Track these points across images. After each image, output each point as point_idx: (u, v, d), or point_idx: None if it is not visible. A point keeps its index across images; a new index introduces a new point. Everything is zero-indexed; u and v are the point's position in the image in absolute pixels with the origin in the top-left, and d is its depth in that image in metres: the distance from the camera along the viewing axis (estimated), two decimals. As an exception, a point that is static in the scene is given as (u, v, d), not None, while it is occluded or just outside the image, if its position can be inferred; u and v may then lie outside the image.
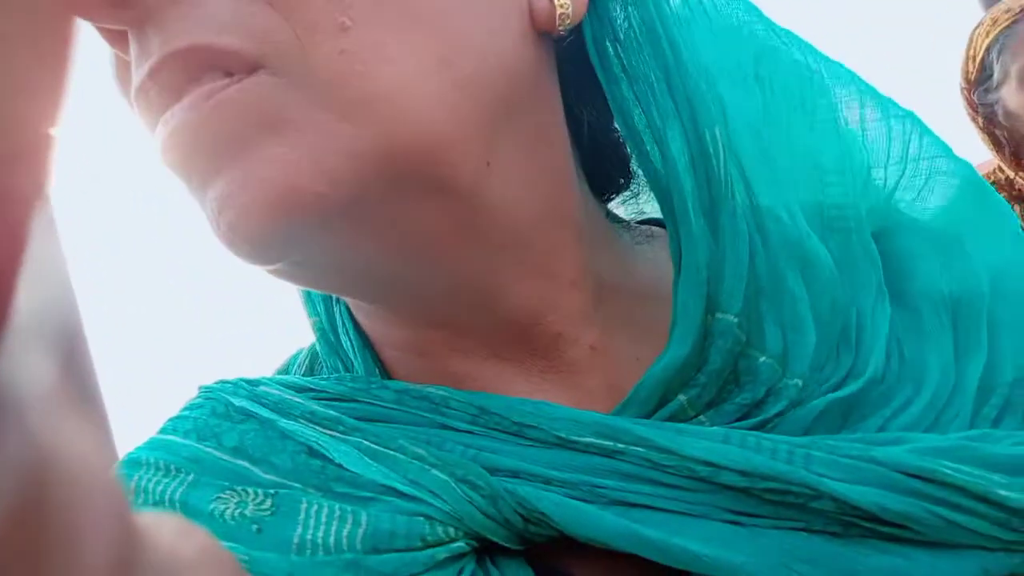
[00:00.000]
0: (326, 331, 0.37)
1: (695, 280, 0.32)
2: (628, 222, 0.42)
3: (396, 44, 0.27)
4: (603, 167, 0.39)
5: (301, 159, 0.26)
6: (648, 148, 0.33)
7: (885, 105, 0.39)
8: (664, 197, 0.33)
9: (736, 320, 0.32)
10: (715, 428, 0.31)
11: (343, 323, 0.37)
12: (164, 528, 0.16)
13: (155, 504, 0.31)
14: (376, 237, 0.29)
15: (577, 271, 0.34)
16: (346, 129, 0.26)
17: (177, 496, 0.31)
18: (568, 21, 0.32)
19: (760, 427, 0.31)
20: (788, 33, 0.38)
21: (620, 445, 0.30)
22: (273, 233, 0.26)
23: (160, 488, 0.31)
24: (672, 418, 0.31)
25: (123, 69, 0.30)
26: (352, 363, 0.36)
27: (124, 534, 0.13)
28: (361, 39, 0.26)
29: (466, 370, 0.34)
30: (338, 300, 0.37)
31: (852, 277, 0.35)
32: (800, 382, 0.32)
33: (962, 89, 1.10)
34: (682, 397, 0.32)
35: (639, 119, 0.33)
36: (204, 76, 0.26)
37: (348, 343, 0.36)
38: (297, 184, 0.26)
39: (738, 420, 0.32)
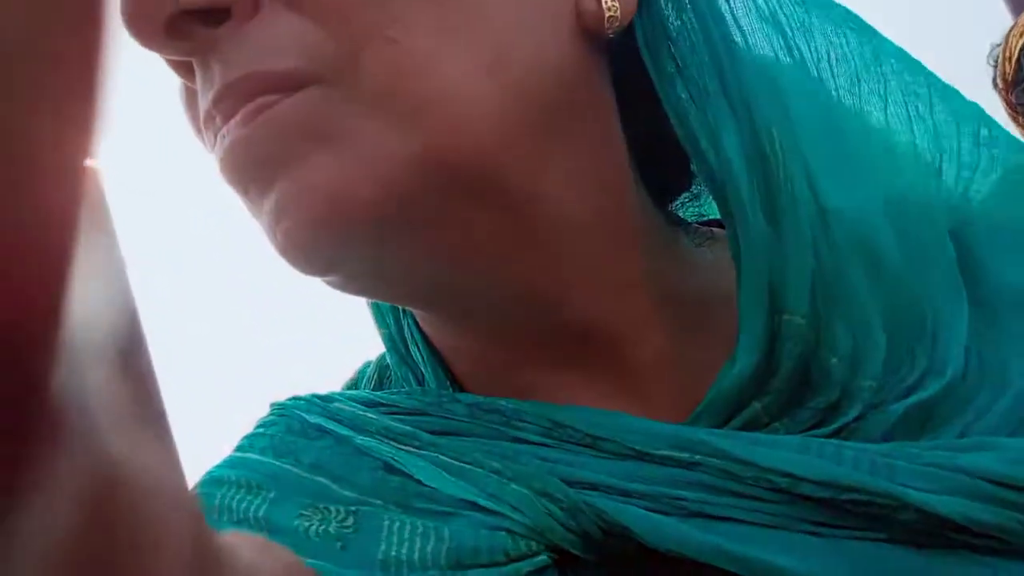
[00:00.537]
0: (396, 342, 0.37)
1: (757, 282, 0.32)
2: (689, 224, 0.42)
3: (442, 54, 0.27)
4: (662, 169, 0.38)
5: (351, 167, 0.26)
6: (704, 148, 0.33)
7: (951, 96, 0.38)
8: (721, 198, 0.33)
9: (804, 321, 0.31)
10: (792, 437, 0.30)
11: (411, 334, 0.37)
12: (244, 546, 0.16)
13: (239, 522, 0.31)
14: (428, 245, 0.29)
15: (636, 276, 0.34)
16: (395, 137, 0.27)
17: (261, 513, 0.31)
18: (617, 23, 0.31)
19: (838, 433, 0.31)
20: (850, 16, 0.37)
21: (697, 457, 0.29)
22: (327, 241, 0.27)
23: (244, 506, 0.31)
24: (747, 426, 0.31)
25: (190, 98, 0.31)
26: (423, 375, 0.36)
27: (199, 550, 0.13)
28: (408, 51, 0.27)
29: (533, 381, 0.34)
30: (406, 312, 0.37)
31: (924, 273, 0.34)
32: (874, 383, 0.31)
33: (1000, 90, 1.10)
34: (757, 404, 0.31)
35: (694, 119, 0.32)
36: (260, 96, 0.27)
37: (418, 354, 0.36)
38: (348, 191, 0.26)
39: (814, 427, 0.31)
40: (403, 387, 0.36)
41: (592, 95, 0.32)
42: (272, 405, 0.36)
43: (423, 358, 0.36)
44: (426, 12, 0.27)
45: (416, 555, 0.29)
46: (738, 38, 0.33)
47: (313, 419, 0.34)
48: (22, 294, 0.09)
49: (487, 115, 0.28)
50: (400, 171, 0.27)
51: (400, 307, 0.37)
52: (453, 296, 0.32)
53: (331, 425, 0.33)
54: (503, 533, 0.29)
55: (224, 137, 0.28)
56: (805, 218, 0.32)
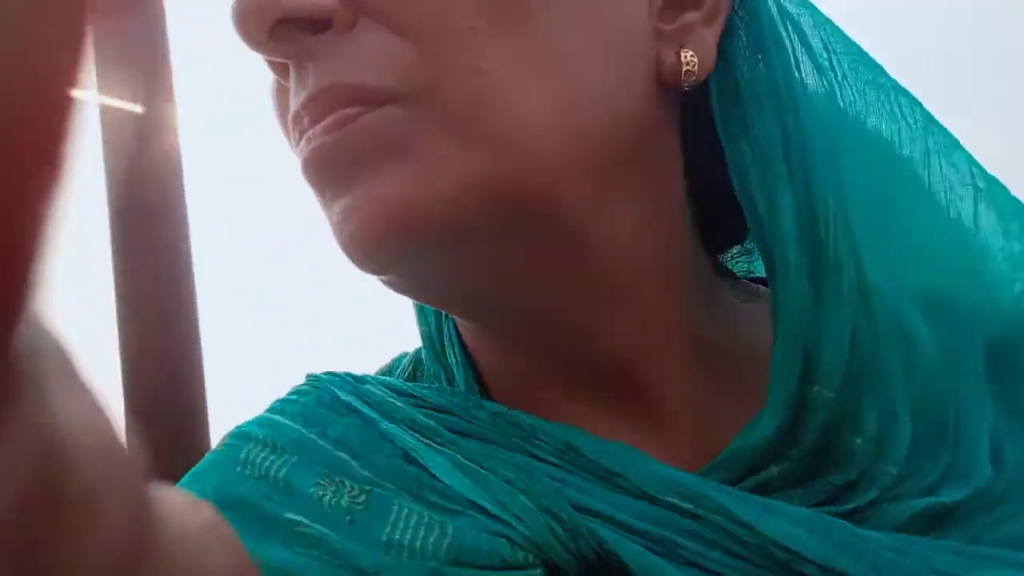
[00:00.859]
0: (434, 341, 0.39)
1: (792, 348, 0.32)
2: (736, 277, 0.42)
3: (522, 88, 0.29)
4: (718, 219, 0.39)
5: (419, 183, 0.28)
6: (759, 208, 0.33)
7: (1006, 200, 0.38)
8: (768, 259, 0.33)
9: (834, 396, 0.32)
10: (803, 510, 0.30)
11: (449, 337, 0.38)
12: (174, 501, 0.17)
13: (259, 477, 0.32)
14: (478, 263, 0.31)
15: (676, 323, 0.35)
16: (464, 160, 0.28)
17: (281, 474, 0.32)
18: (693, 78, 0.33)
19: (850, 515, 0.31)
20: (916, 107, 0.38)
21: (700, 511, 0.30)
22: (386, 247, 0.29)
23: (267, 464, 0.33)
24: (761, 488, 0.31)
25: (281, 94, 0.33)
26: (454, 376, 0.37)
27: (140, 504, 0.13)
28: (490, 81, 0.29)
29: (558, 402, 0.35)
30: (447, 315, 0.39)
31: (954, 375, 0.34)
32: (895, 471, 0.31)
33: None
34: (774, 469, 0.32)
35: (754, 178, 0.33)
36: (346, 107, 0.29)
37: (452, 356, 0.38)
38: (412, 205, 0.28)
39: (828, 502, 0.31)
40: (434, 384, 0.38)
41: (658, 142, 0.33)
42: (308, 376, 0.37)
43: (456, 360, 0.37)
44: (511, 47, 0.29)
45: (418, 543, 0.30)
46: (805, 101, 0.34)
47: (344, 396, 0.35)
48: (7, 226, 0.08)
49: (555, 151, 0.29)
50: (464, 192, 0.28)
51: (444, 314, 0.39)
52: (495, 312, 0.34)
53: (360, 405, 0.35)
54: (504, 540, 0.30)
55: (310, 140, 0.30)
56: (848, 292, 0.32)
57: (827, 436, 0.32)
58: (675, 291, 0.34)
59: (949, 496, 0.31)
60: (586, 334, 0.33)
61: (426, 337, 0.39)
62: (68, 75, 0.09)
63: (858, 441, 0.32)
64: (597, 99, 0.30)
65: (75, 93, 0.09)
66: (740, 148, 0.33)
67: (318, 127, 0.30)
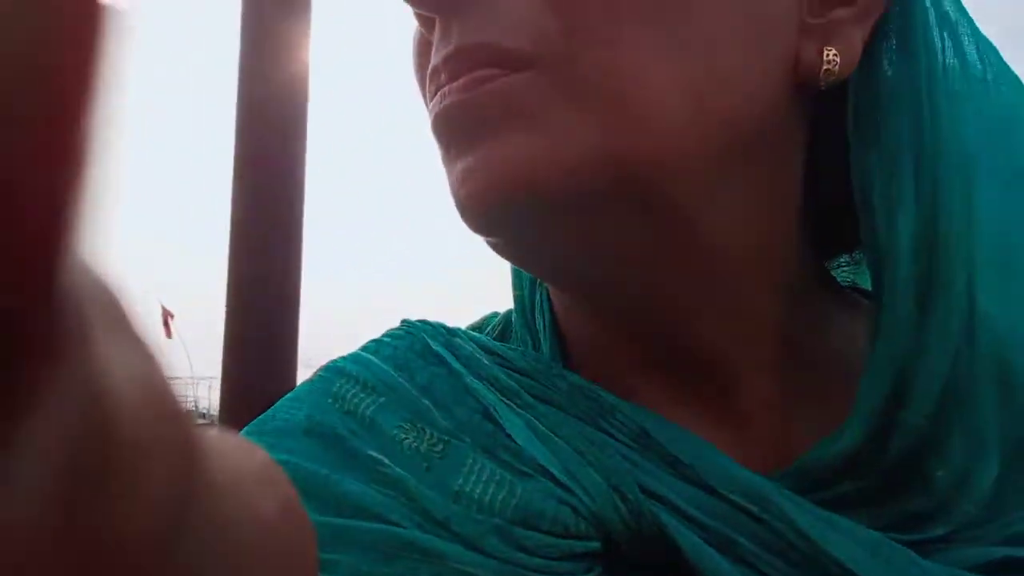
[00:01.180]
0: (525, 306, 0.40)
1: (887, 367, 0.31)
2: (839, 286, 0.41)
3: (658, 66, 0.29)
4: (832, 224, 0.38)
5: (542, 149, 0.29)
6: (876, 222, 0.32)
7: None
8: (877, 274, 0.33)
9: (923, 422, 0.31)
10: (869, 532, 0.30)
11: (541, 304, 0.39)
12: (228, 446, 0.17)
13: (348, 412, 0.33)
14: (585, 234, 0.31)
15: (771, 322, 0.34)
16: (589, 131, 0.29)
17: (368, 412, 0.33)
18: (832, 77, 0.32)
19: (918, 545, 0.30)
20: None
21: (764, 515, 0.30)
22: (499, 207, 0.30)
23: (356, 400, 0.34)
24: (831, 503, 0.31)
25: (423, 47, 0.34)
26: (540, 342, 0.38)
27: (190, 457, 0.13)
28: (627, 55, 0.29)
29: (638, 384, 0.35)
30: (542, 283, 0.39)
31: None
32: (973, 510, 0.31)
33: None
34: (848, 485, 0.31)
35: (878, 190, 0.32)
36: (483, 67, 0.30)
37: (541, 323, 0.38)
38: (533, 170, 0.29)
39: (897, 527, 0.31)
40: (520, 347, 0.38)
41: (785, 139, 0.33)
42: (403, 321, 0.39)
43: (544, 328, 0.38)
44: (654, 24, 0.29)
45: (487, 498, 0.31)
46: (948, 113, 0.32)
47: (435, 346, 0.36)
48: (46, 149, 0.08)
49: (679, 133, 0.29)
50: (583, 163, 0.29)
51: (538, 281, 0.39)
52: (589, 286, 0.34)
53: (449, 357, 0.35)
54: (568, 509, 0.30)
55: (444, 97, 0.31)
56: (956, 321, 0.31)
57: (908, 462, 0.31)
58: (773, 289, 0.34)
59: None
60: (676, 320, 0.34)
61: (518, 301, 0.40)
62: None
63: (940, 473, 0.31)
64: (731, 88, 0.30)
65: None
66: (868, 155, 0.32)
67: (454, 84, 0.30)
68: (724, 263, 0.32)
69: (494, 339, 0.40)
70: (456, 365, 0.35)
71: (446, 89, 0.30)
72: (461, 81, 0.30)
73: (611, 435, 0.32)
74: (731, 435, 0.34)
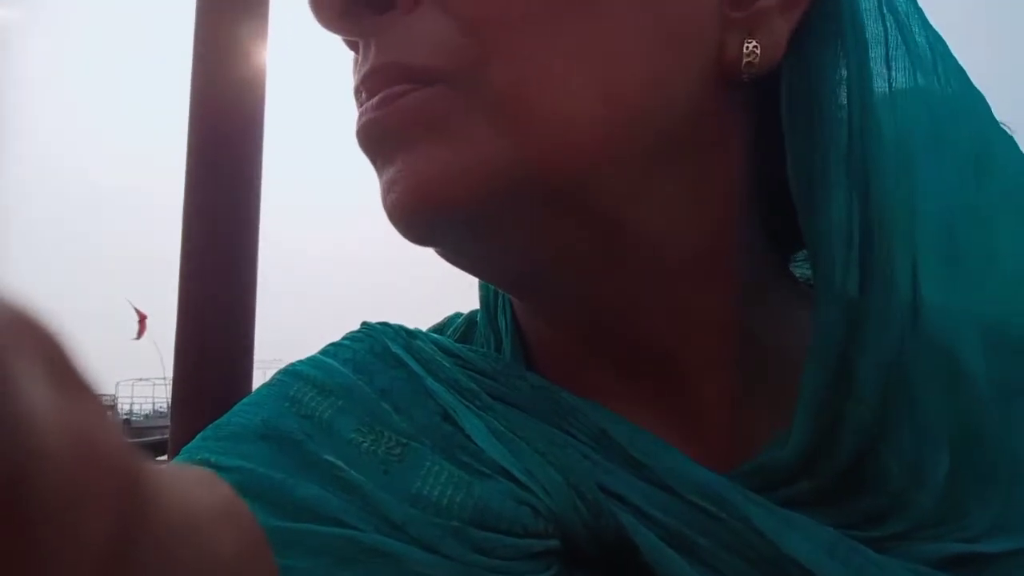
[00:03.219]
0: (489, 307, 0.40)
1: (824, 360, 0.31)
2: (796, 280, 0.41)
3: (567, 73, 0.29)
4: (788, 218, 0.38)
5: (454, 162, 0.29)
6: (809, 208, 0.32)
7: None
8: (814, 264, 0.32)
9: (870, 415, 0.31)
10: (827, 530, 0.30)
11: (503, 304, 0.39)
12: (183, 479, 0.17)
13: (305, 416, 0.33)
14: (509, 245, 0.31)
15: (720, 320, 0.34)
16: (501, 144, 0.29)
17: (326, 416, 0.33)
18: (754, 69, 0.31)
19: (877, 542, 0.30)
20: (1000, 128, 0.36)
21: (722, 515, 0.30)
22: (421, 219, 0.30)
23: (314, 404, 0.34)
24: (790, 502, 0.31)
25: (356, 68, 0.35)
26: (503, 342, 0.38)
27: (129, 500, 0.13)
28: (536, 67, 0.29)
29: (597, 383, 0.35)
30: None
31: (1007, 414, 0.33)
32: (930, 504, 0.31)
33: None
34: (805, 484, 0.31)
35: (809, 177, 0.32)
36: (396, 84, 0.30)
37: (503, 323, 0.38)
38: (443, 182, 0.30)
39: (857, 526, 0.31)
40: (483, 348, 0.38)
41: (715, 136, 0.32)
42: (363, 324, 0.38)
43: (506, 328, 0.38)
44: (558, 35, 0.29)
45: (445, 501, 0.30)
46: (886, 101, 0.32)
47: (394, 348, 0.36)
48: None
49: (595, 140, 0.29)
50: (497, 173, 0.29)
51: None
52: (533, 290, 0.35)
53: (408, 360, 0.35)
54: (527, 509, 0.30)
55: (363, 114, 0.32)
56: (897, 309, 0.31)
57: (862, 457, 0.31)
58: (721, 290, 0.34)
59: (994, 547, 0.30)
60: (623, 319, 0.34)
61: (483, 301, 0.40)
62: None
63: (893, 465, 0.31)
64: (649, 90, 0.30)
65: None
66: (800, 142, 0.32)
67: (370, 102, 0.31)
68: (663, 261, 0.32)
69: (456, 340, 0.40)
70: (416, 367, 0.35)
71: (363, 108, 0.32)
72: (376, 99, 0.31)
73: (571, 435, 0.32)
74: (690, 432, 0.34)
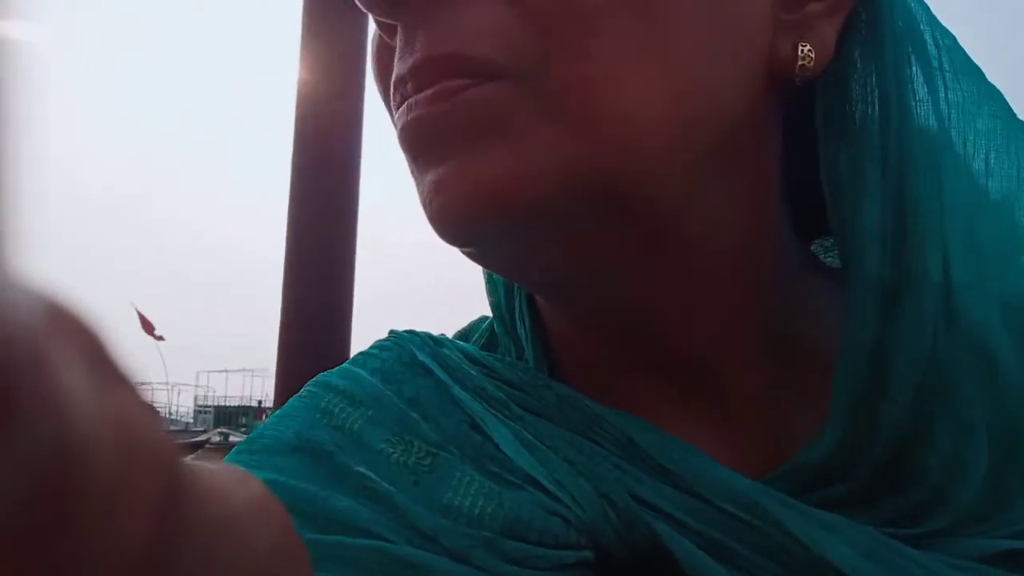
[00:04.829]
0: (503, 314, 0.39)
1: (856, 360, 0.31)
2: (826, 268, 0.41)
3: (631, 76, 0.28)
4: (813, 211, 0.37)
5: (518, 165, 0.28)
6: (844, 210, 0.32)
7: None
8: (847, 262, 0.32)
9: (905, 412, 0.31)
10: (865, 531, 0.30)
11: (520, 310, 0.38)
12: (220, 479, 0.16)
13: (336, 428, 0.33)
14: (562, 247, 0.30)
15: (757, 321, 0.34)
16: (566, 146, 0.28)
17: (356, 427, 0.33)
18: (807, 73, 0.31)
19: (919, 539, 0.30)
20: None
21: (756, 522, 0.30)
22: (473, 222, 0.29)
23: (344, 415, 0.34)
24: (826, 503, 0.31)
25: (384, 53, 0.33)
26: (524, 349, 0.37)
27: (170, 497, 0.13)
28: (599, 65, 0.28)
29: (626, 389, 0.35)
30: (519, 288, 0.39)
31: None
32: (971, 497, 0.30)
33: None
34: (840, 487, 0.31)
35: (846, 181, 0.32)
36: (451, 77, 0.28)
37: (522, 331, 0.38)
38: (506, 186, 0.28)
39: (897, 523, 0.31)
40: (507, 355, 0.38)
41: (762, 135, 0.32)
42: (390, 332, 0.39)
43: (527, 335, 0.37)
44: (624, 32, 0.28)
45: (476, 511, 0.31)
46: (913, 104, 0.32)
47: (422, 357, 0.36)
48: None
49: (657, 142, 0.29)
50: (558, 177, 0.28)
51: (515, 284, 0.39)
52: (572, 293, 0.34)
53: (436, 368, 0.35)
54: (558, 519, 0.30)
55: (412, 107, 0.29)
56: (930, 306, 0.31)
57: (900, 454, 0.31)
58: (758, 290, 0.34)
59: None
60: (663, 323, 0.33)
61: (495, 308, 0.40)
62: None
63: (932, 460, 0.31)
64: (709, 93, 0.29)
65: None
66: (835, 145, 0.32)
67: (421, 95, 0.29)
68: (710, 264, 0.32)
69: (483, 346, 0.40)
70: (443, 376, 0.35)
71: (413, 100, 0.29)
72: (429, 92, 0.29)
73: (599, 444, 0.32)
74: (723, 435, 0.34)
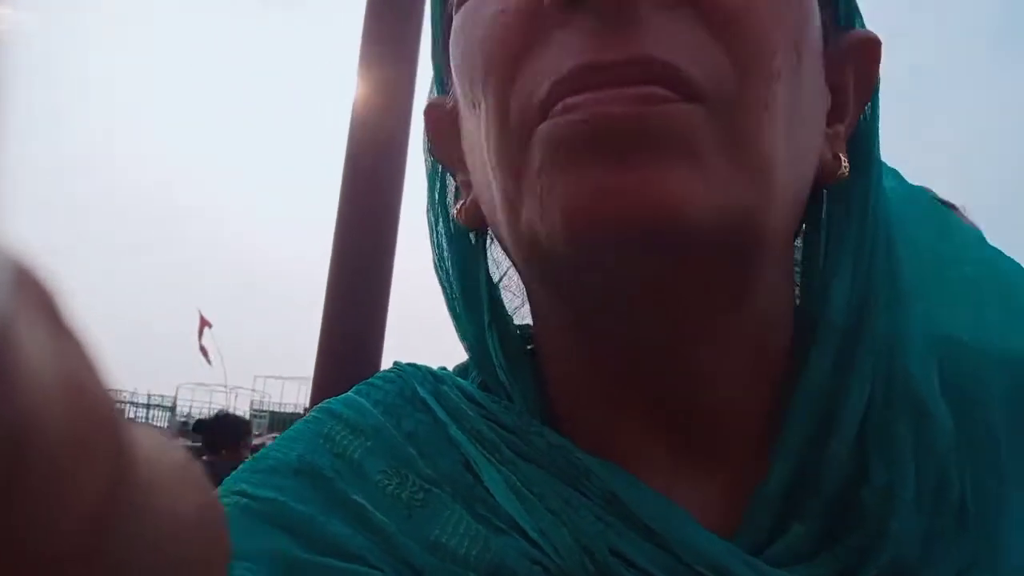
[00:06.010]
0: (481, 363, 0.39)
1: (815, 399, 0.34)
2: None
3: (786, 137, 0.31)
4: None
5: (699, 187, 0.28)
6: (814, 285, 0.36)
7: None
8: (808, 328, 0.35)
9: (845, 451, 0.33)
10: None
11: (497, 357, 0.37)
12: (150, 440, 0.16)
13: (337, 455, 0.35)
14: (678, 277, 0.31)
15: (773, 378, 0.35)
16: (737, 185, 0.29)
17: (356, 455, 0.35)
18: (838, 181, 0.35)
19: None
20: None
21: None
22: (640, 229, 0.28)
23: (345, 443, 0.35)
24: (791, 553, 0.32)
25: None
26: (509, 393, 0.37)
27: (116, 459, 0.13)
28: (774, 120, 0.30)
29: (618, 439, 0.35)
30: (491, 331, 0.38)
31: (974, 452, 0.34)
32: (902, 527, 0.32)
33: None
34: (799, 527, 0.32)
35: (821, 262, 0.36)
36: (660, 85, 0.28)
37: (504, 377, 0.37)
38: (688, 204, 0.28)
39: (851, 570, 0.32)
40: (500, 394, 0.38)
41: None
42: (394, 364, 0.40)
43: (509, 381, 0.37)
44: (788, 95, 0.31)
45: (462, 551, 0.32)
46: (884, 202, 0.37)
47: (423, 393, 0.37)
48: None
49: (783, 200, 0.32)
50: (726, 209, 0.29)
51: (485, 327, 0.38)
52: (626, 336, 0.34)
53: (435, 406, 0.36)
54: (539, 568, 0.31)
55: (610, 101, 0.28)
56: (872, 367, 0.34)
57: (843, 489, 0.33)
58: (777, 348, 0.35)
59: None
60: (697, 373, 0.34)
61: (471, 351, 0.40)
62: None
63: (869, 494, 0.32)
64: (805, 165, 0.33)
65: None
66: (816, 235, 0.37)
67: (619, 91, 0.28)
68: (761, 328, 0.34)
69: (480, 384, 0.39)
70: (441, 415, 0.36)
71: (610, 93, 0.28)
72: (632, 91, 0.28)
73: (585, 495, 0.33)
74: (711, 487, 0.34)
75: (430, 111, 0.41)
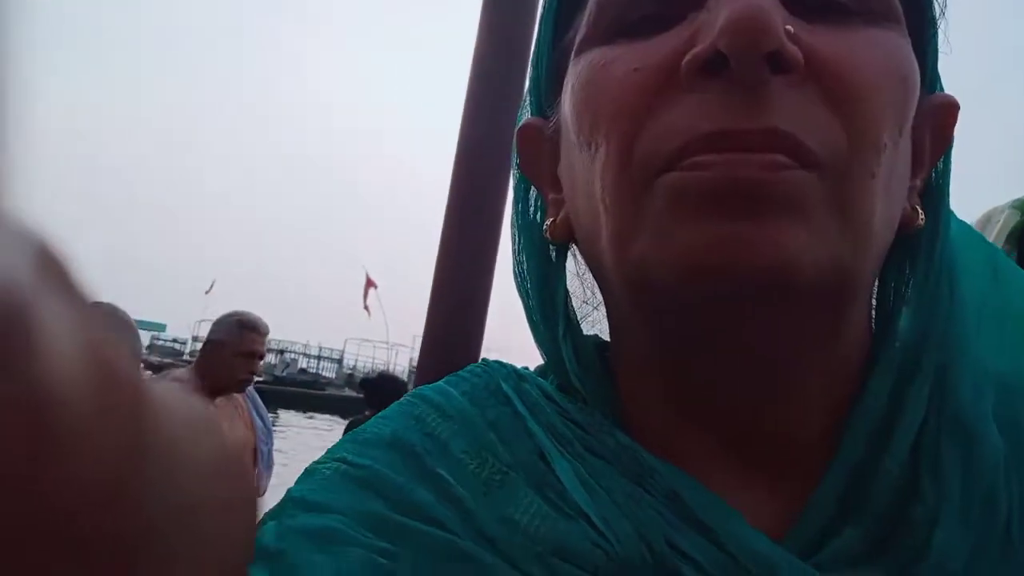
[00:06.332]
0: (559, 370, 0.42)
1: (873, 413, 0.36)
2: None
3: (882, 201, 0.34)
4: None
5: (809, 244, 0.31)
6: (886, 311, 0.40)
7: None
8: (882, 337, 0.38)
9: (897, 468, 0.35)
10: None
11: (572, 365, 0.41)
12: (171, 396, 0.17)
13: (427, 434, 0.38)
14: (782, 325, 0.34)
15: (844, 396, 0.37)
16: (843, 244, 0.32)
17: (443, 436, 0.38)
18: (920, 229, 0.38)
19: None
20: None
21: None
22: (761, 280, 0.31)
23: (434, 424, 0.39)
24: (841, 557, 0.34)
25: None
26: (585, 397, 0.40)
27: (136, 417, 0.13)
28: (876, 187, 0.33)
29: (682, 446, 0.37)
30: (565, 338, 0.41)
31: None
32: (953, 540, 0.33)
33: None
34: (851, 531, 0.34)
35: (896, 290, 0.40)
36: (784, 154, 0.31)
37: (578, 383, 0.40)
38: (799, 259, 0.31)
39: (912, 563, 0.34)
40: (577, 396, 0.41)
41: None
42: (483, 360, 0.43)
43: (584, 386, 0.40)
44: (888, 167, 0.33)
45: (532, 528, 0.34)
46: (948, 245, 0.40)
47: (506, 388, 0.40)
48: None
49: (874, 259, 0.35)
50: (829, 265, 0.32)
51: (560, 338, 0.41)
52: (717, 371, 0.36)
53: (516, 400, 0.39)
54: (600, 552, 0.34)
55: (741, 165, 0.31)
56: (927, 392, 0.36)
57: (893, 501, 0.35)
58: (852, 375, 0.37)
59: None
60: (765, 417, 0.36)
61: (550, 359, 0.43)
62: None
63: (918, 511, 0.34)
64: (890, 228, 0.36)
65: None
66: (890, 269, 0.40)
67: (750, 156, 0.31)
68: (840, 362, 0.37)
69: (558, 386, 0.42)
70: (521, 408, 0.39)
71: (743, 158, 0.31)
72: (757, 157, 0.31)
73: (648, 491, 0.35)
74: (769, 499, 0.36)
75: (524, 130, 0.44)
